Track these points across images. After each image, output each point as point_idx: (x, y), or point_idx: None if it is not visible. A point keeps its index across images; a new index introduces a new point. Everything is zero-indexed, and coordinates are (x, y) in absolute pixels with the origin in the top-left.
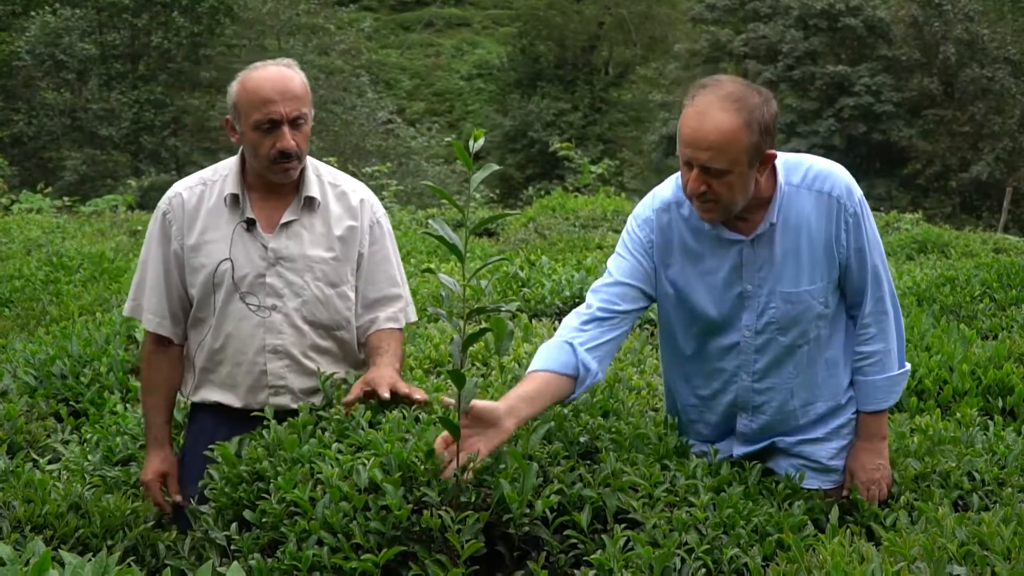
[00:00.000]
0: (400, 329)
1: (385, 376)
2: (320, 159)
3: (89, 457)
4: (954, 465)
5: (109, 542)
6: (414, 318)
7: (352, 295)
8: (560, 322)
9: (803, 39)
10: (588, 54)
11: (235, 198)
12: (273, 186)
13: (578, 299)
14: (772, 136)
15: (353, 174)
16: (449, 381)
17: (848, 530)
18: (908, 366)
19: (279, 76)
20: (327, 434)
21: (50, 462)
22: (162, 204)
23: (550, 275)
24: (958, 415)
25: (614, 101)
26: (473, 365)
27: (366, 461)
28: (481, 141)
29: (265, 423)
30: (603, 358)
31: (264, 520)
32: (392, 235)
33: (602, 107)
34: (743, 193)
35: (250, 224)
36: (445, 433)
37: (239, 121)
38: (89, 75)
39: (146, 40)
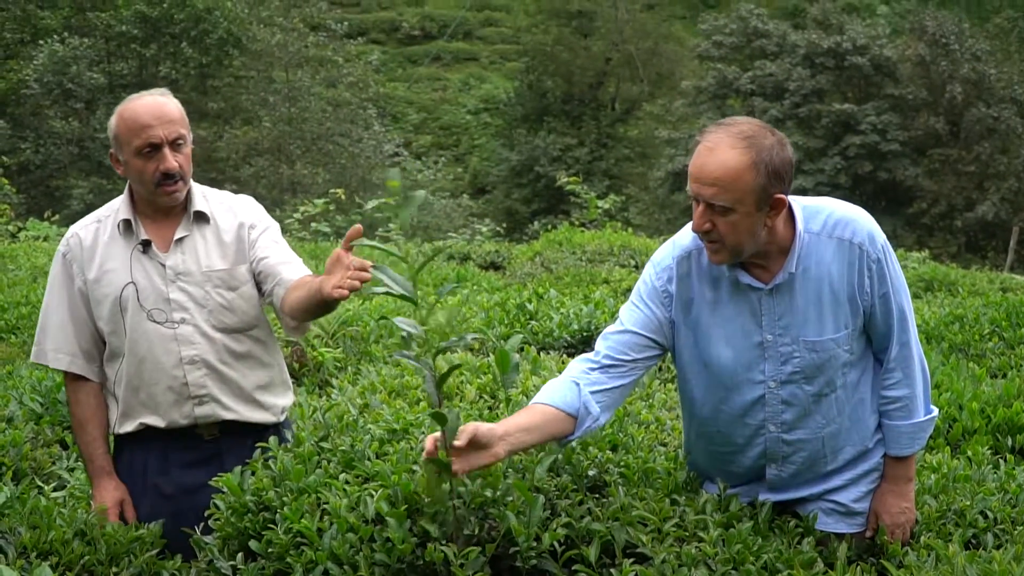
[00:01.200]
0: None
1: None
2: (327, 191)
3: None
4: (968, 503)
5: (114, 569)
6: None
7: (254, 292)
8: (568, 356)
9: (810, 77)
10: (595, 90)
11: (127, 223)
12: (163, 208)
13: (586, 333)
14: (783, 181)
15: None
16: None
17: (859, 567)
18: (935, 411)
19: (154, 103)
20: (333, 464)
21: (55, 489)
22: (61, 247)
23: (558, 308)
24: (969, 453)
25: (620, 137)
26: (481, 398)
27: (373, 492)
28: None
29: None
30: (608, 404)
31: (270, 550)
32: (277, 229)
33: (608, 143)
34: (750, 236)
35: (146, 245)
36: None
37: (121, 151)
38: (97, 104)
39: (154, 70)
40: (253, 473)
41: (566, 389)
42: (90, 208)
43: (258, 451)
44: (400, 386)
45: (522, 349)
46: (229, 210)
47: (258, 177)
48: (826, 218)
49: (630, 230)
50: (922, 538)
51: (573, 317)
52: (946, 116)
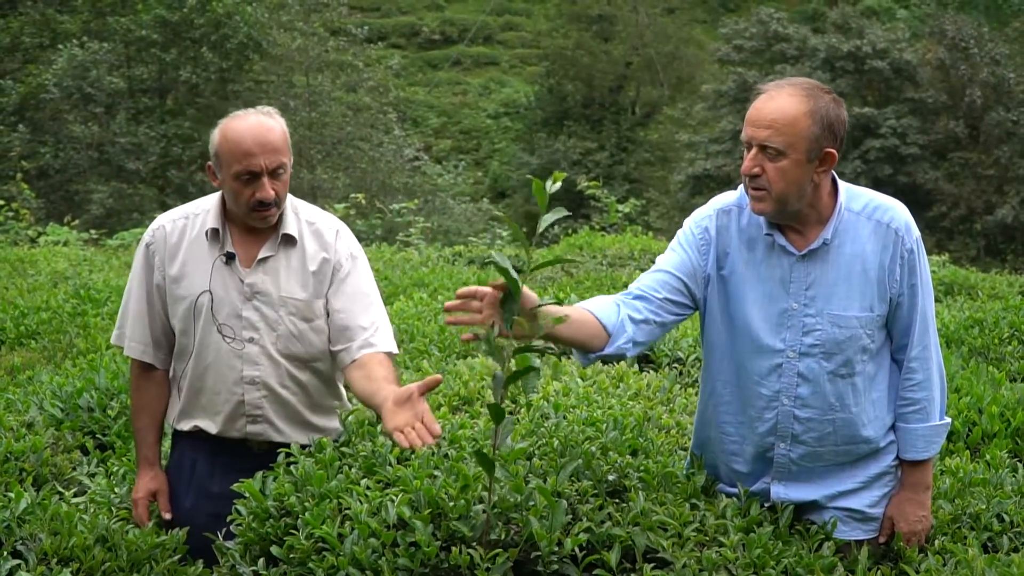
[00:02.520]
0: (384, 356)
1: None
2: (347, 195)
3: (116, 490)
4: (984, 507)
5: (136, 575)
6: (392, 347)
7: (326, 327)
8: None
9: (830, 80)
10: (615, 94)
11: (215, 232)
12: (251, 224)
13: None
14: (836, 138)
15: (380, 211)
16: (472, 417)
17: (879, 571)
18: (949, 420)
19: (259, 128)
20: (354, 470)
21: (76, 495)
22: (146, 236)
23: None
24: (987, 457)
25: (640, 141)
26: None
27: (395, 497)
28: (558, 184)
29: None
30: (638, 333)
31: (292, 556)
32: (369, 269)
33: (628, 147)
34: (796, 188)
35: (229, 258)
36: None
37: (220, 169)
38: (117, 109)
39: (174, 75)
40: (275, 478)
41: (608, 305)
42: (110, 213)
43: (281, 455)
44: None
45: (542, 354)
46: (317, 235)
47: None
48: (867, 202)
49: (650, 234)
50: (936, 541)
51: None
52: (966, 120)
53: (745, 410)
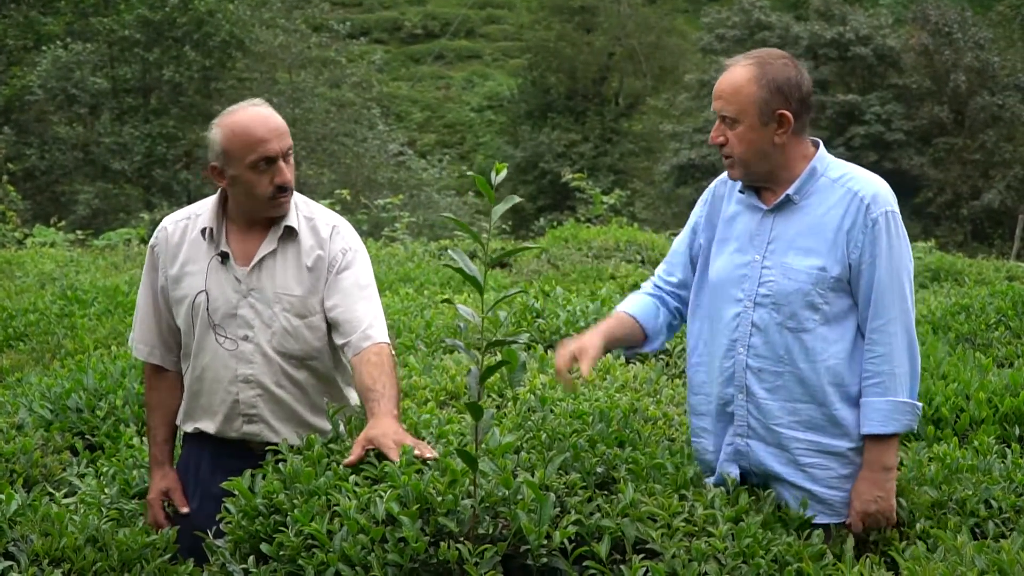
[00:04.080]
0: (382, 347)
1: (389, 433)
2: (332, 191)
3: (106, 490)
4: (970, 493)
5: (126, 575)
6: (385, 338)
7: (323, 325)
8: None
9: (813, 68)
10: (598, 85)
11: (210, 232)
12: (252, 220)
13: None
14: (788, 100)
15: (365, 207)
16: (459, 412)
17: (868, 560)
18: (918, 403)
19: (263, 115)
20: (343, 467)
21: (66, 496)
22: (152, 238)
23: (564, 305)
24: (976, 443)
25: (624, 132)
26: (488, 396)
27: (383, 493)
28: (503, 174)
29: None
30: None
31: (282, 553)
32: (367, 263)
33: (613, 138)
34: (757, 152)
35: (224, 257)
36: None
37: (231, 165)
38: (101, 109)
39: (158, 74)
40: (264, 476)
41: (649, 306)
42: (96, 213)
43: (269, 454)
44: (408, 387)
45: (530, 347)
46: (314, 231)
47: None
48: (845, 172)
49: (636, 225)
50: (918, 526)
51: (580, 314)
52: (950, 105)
53: (711, 364)
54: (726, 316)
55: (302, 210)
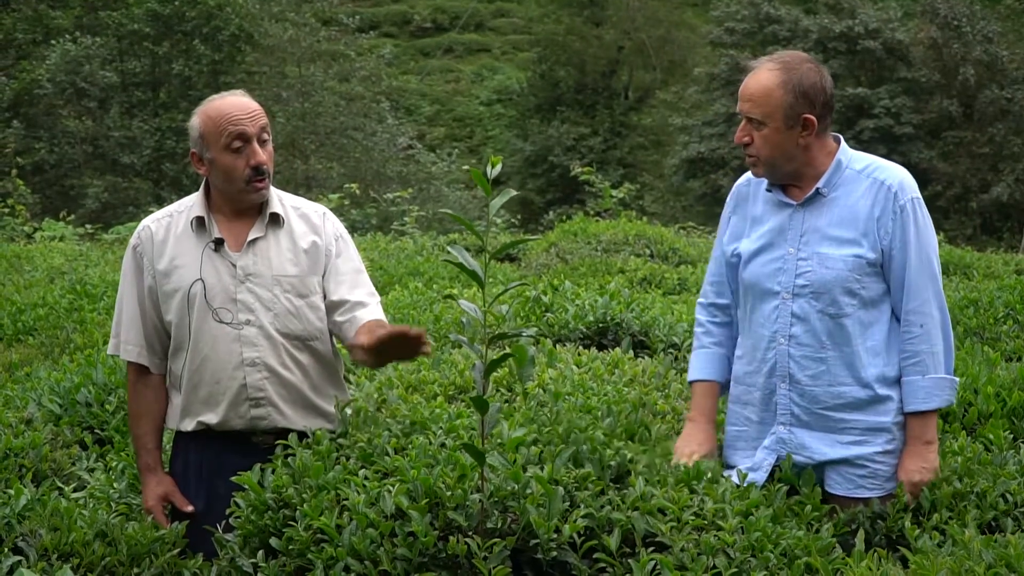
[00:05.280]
0: (382, 320)
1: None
2: (341, 186)
3: (115, 485)
4: (990, 485)
5: (136, 570)
6: (383, 317)
7: (322, 305)
8: (584, 348)
9: (822, 62)
10: (608, 79)
11: (201, 221)
12: (238, 208)
13: (601, 324)
14: (813, 104)
15: (374, 200)
16: (468, 406)
17: (875, 553)
18: (957, 379)
19: (237, 99)
20: (352, 461)
21: (76, 490)
22: (132, 239)
23: (573, 299)
24: (990, 437)
25: (634, 125)
26: (497, 391)
27: (392, 487)
28: (498, 168)
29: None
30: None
31: (291, 547)
32: (354, 246)
33: (622, 131)
34: (781, 153)
35: (218, 244)
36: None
37: (208, 149)
38: (110, 103)
39: (167, 68)
40: (273, 471)
41: (722, 360)
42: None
43: (279, 448)
44: (417, 381)
45: (538, 342)
46: (304, 218)
47: (272, 172)
48: (870, 163)
49: (645, 219)
50: (935, 516)
51: (588, 308)
52: (959, 98)
53: (752, 356)
54: (765, 309)
55: (286, 200)
